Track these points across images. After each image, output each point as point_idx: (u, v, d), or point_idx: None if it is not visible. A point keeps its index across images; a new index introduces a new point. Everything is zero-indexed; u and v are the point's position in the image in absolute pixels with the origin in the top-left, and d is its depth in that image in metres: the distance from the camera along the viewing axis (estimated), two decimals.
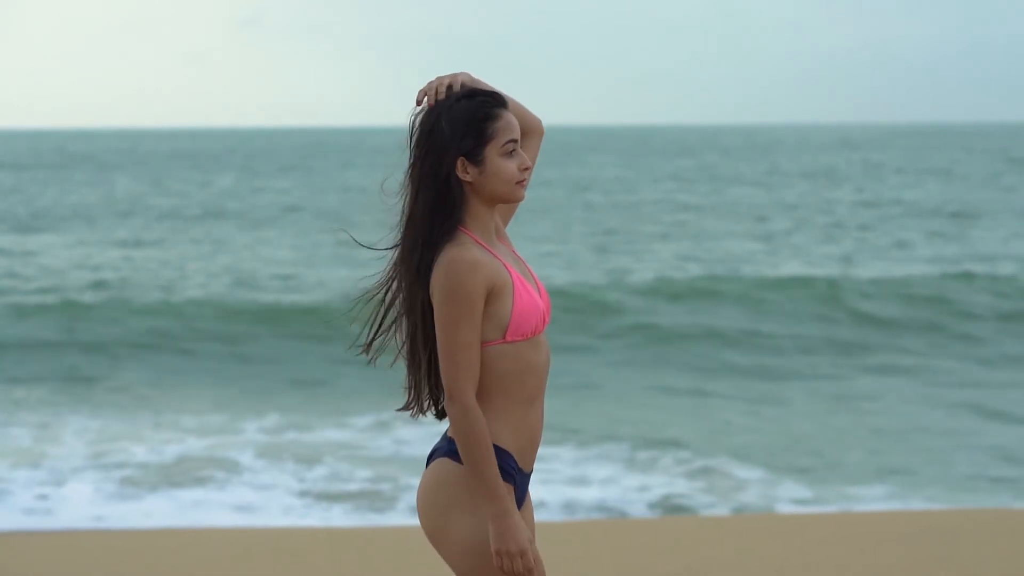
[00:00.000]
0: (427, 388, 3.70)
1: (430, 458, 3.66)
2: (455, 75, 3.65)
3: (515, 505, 3.56)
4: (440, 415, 3.73)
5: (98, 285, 25.89)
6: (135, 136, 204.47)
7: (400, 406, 3.72)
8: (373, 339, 3.73)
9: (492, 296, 3.55)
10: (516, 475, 3.63)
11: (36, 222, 42.05)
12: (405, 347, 3.68)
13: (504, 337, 3.56)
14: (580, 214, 44.58)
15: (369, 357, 3.74)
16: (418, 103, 3.63)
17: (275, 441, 13.38)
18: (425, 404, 3.71)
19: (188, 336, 19.51)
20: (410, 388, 3.70)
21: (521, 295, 3.59)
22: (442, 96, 3.61)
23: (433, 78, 3.65)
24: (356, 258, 28.92)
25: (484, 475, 3.50)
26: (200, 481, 11.68)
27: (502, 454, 3.59)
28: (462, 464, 3.55)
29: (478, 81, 3.68)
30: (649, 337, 19.71)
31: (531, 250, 32.66)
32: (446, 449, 3.61)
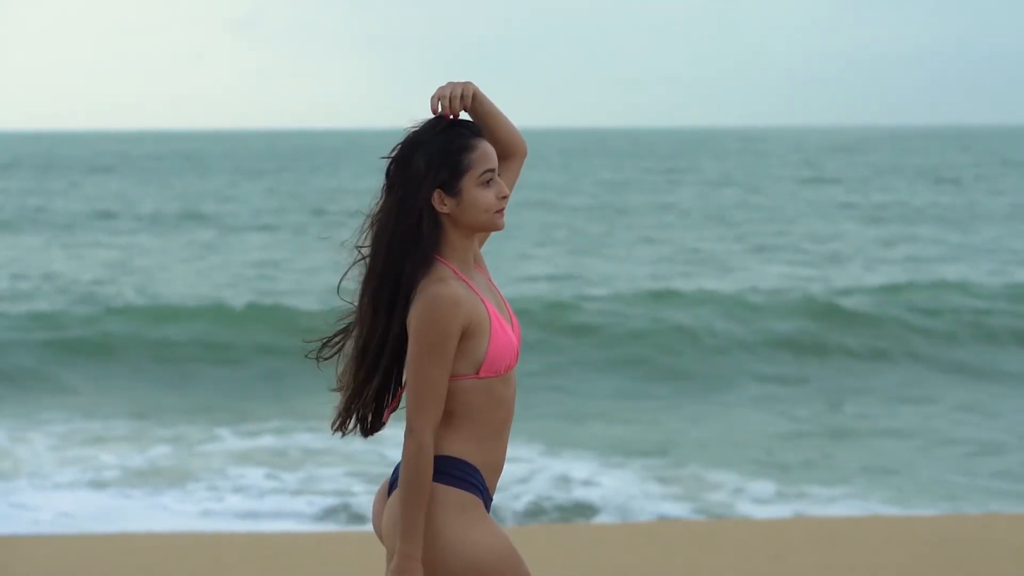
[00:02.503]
0: (366, 409, 3.72)
1: (394, 483, 3.68)
2: (467, 84, 3.65)
3: (419, 552, 3.53)
4: (368, 432, 3.74)
5: (71, 288, 25.71)
6: (130, 138, 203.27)
7: (331, 423, 3.74)
8: (323, 349, 3.75)
9: (469, 333, 3.56)
10: (483, 492, 3.65)
11: (16, 223, 41.74)
12: (355, 369, 3.69)
13: (477, 373, 3.60)
14: (564, 218, 44.37)
15: (318, 363, 3.77)
16: (433, 111, 3.63)
17: (250, 445, 13.42)
18: (352, 423, 3.74)
19: (159, 340, 19.39)
20: (345, 407, 3.72)
21: (497, 334, 3.61)
22: (456, 108, 3.63)
23: (444, 84, 3.66)
24: (332, 263, 28.71)
25: (413, 514, 3.53)
26: (172, 485, 11.70)
27: (470, 469, 3.63)
28: (439, 483, 3.58)
29: (481, 95, 3.69)
30: (623, 342, 19.66)
31: (512, 250, 32.57)
32: None
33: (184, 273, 28.57)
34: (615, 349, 19.18)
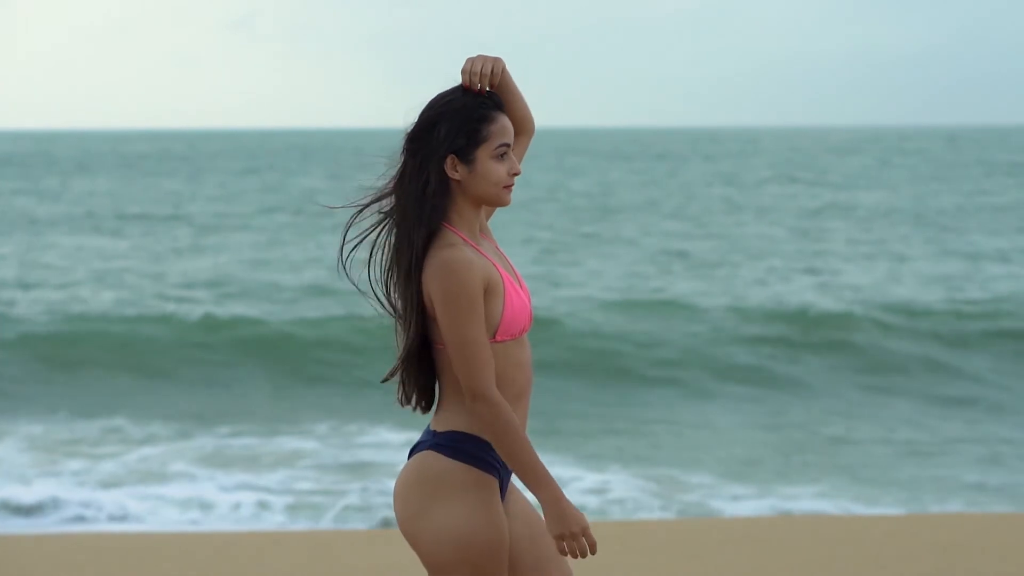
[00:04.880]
0: (414, 382, 3.69)
1: (413, 451, 3.68)
2: (497, 60, 3.66)
3: (560, 489, 3.54)
4: (425, 409, 3.71)
5: (44, 290, 25.47)
6: (125, 138, 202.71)
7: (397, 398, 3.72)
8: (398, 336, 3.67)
9: (486, 295, 3.57)
10: (501, 468, 3.64)
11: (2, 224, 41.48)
12: (401, 341, 3.67)
13: (494, 337, 3.58)
14: (550, 219, 44.08)
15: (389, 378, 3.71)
16: (464, 84, 3.63)
17: (226, 447, 13.45)
18: (405, 396, 3.71)
19: (132, 343, 19.24)
20: (401, 380, 3.70)
21: (511, 296, 3.61)
22: (485, 85, 3.63)
23: (476, 56, 3.66)
24: (312, 265, 28.61)
25: (528, 464, 3.51)
26: (147, 485, 11.72)
27: (484, 445, 3.61)
28: (447, 457, 3.59)
29: (507, 72, 3.70)
30: (596, 347, 19.47)
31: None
32: (431, 443, 3.63)
33: (159, 274, 28.39)
34: (588, 353, 19.04)
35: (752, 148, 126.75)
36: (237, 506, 11.09)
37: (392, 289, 3.67)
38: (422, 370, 3.68)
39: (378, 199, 3.66)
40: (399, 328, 3.67)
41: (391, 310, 3.69)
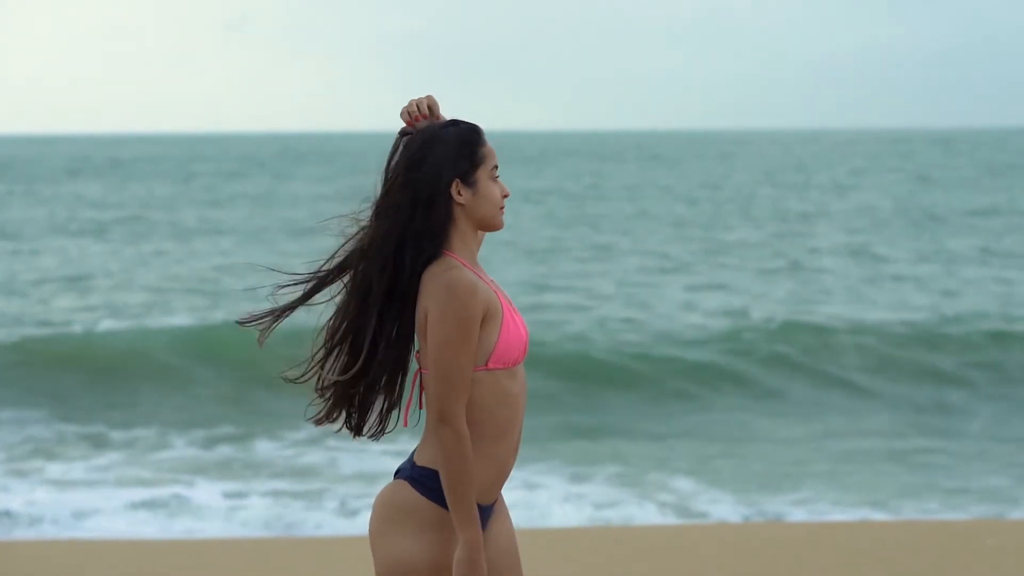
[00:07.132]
0: (361, 406, 3.72)
1: (396, 474, 3.71)
2: (430, 96, 3.71)
3: (480, 537, 3.55)
4: (356, 431, 3.74)
5: (28, 296, 25.40)
6: (121, 141, 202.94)
7: (316, 417, 3.74)
8: (323, 375, 3.70)
9: (484, 321, 3.57)
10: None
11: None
12: (349, 360, 3.67)
13: (486, 365, 3.59)
14: (534, 223, 43.94)
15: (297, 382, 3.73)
16: (407, 123, 3.69)
17: (207, 454, 13.46)
18: (343, 417, 3.74)
19: (110, 353, 19.18)
20: (335, 401, 3.71)
21: (509, 324, 3.61)
22: (424, 111, 3.69)
23: (407, 103, 3.72)
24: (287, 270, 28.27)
25: (463, 502, 3.54)
26: (121, 492, 11.73)
27: None
28: (419, 493, 3.62)
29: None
30: (576, 355, 19.39)
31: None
32: (407, 474, 3.66)
33: (137, 279, 28.33)
34: (569, 359, 18.94)
35: (748, 150, 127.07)
36: (216, 512, 11.11)
37: (345, 320, 3.65)
38: (389, 392, 3.70)
39: (386, 237, 3.61)
40: (362, 361, 3.63)
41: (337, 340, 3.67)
